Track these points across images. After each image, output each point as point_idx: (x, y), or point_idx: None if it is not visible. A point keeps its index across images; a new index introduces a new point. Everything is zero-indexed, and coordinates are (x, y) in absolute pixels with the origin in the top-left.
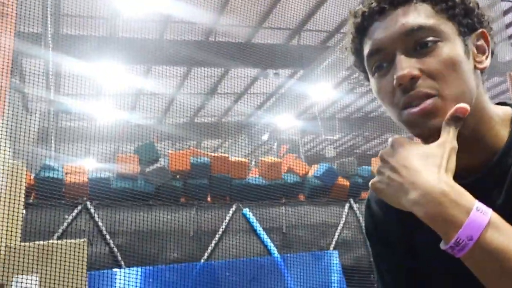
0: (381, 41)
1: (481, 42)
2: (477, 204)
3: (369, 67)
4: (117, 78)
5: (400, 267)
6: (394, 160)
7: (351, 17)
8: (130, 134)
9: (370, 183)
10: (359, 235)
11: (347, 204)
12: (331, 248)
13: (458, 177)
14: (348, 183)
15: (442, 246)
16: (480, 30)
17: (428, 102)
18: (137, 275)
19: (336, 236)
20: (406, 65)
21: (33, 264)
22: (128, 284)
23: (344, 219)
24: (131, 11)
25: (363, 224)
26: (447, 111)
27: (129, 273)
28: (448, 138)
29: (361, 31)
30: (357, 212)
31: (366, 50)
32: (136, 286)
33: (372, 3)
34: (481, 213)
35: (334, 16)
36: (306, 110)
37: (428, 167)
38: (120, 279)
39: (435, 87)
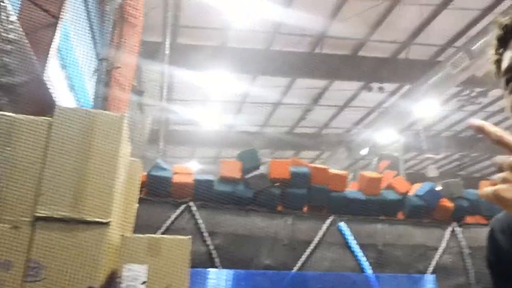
0: None
1: None
2: None
3: (505, 82)
4: (224, 86)
5: None
6: None
7: (496, 27)
8: (232, 140)
9: (493, 189)
10: (460, 262)
11: (450, 228)
12: (429, 272)
13: None
14: (452, 205)
15: None
16: None
17: None
18: (229, 276)
19: (435, 260)
20: None
21: (143, 254)
22: (220, 285)
23: (445, 243)
24: (241, 22)
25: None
26: None
27: (222, 274)
28: None
29: (503, 43)
30: (460, 236)
31: (505, 64)
32: None
33: None
34: None
35: (447, 30)
36: (409, 126)
37: None
38: (213, 279)
39: None
